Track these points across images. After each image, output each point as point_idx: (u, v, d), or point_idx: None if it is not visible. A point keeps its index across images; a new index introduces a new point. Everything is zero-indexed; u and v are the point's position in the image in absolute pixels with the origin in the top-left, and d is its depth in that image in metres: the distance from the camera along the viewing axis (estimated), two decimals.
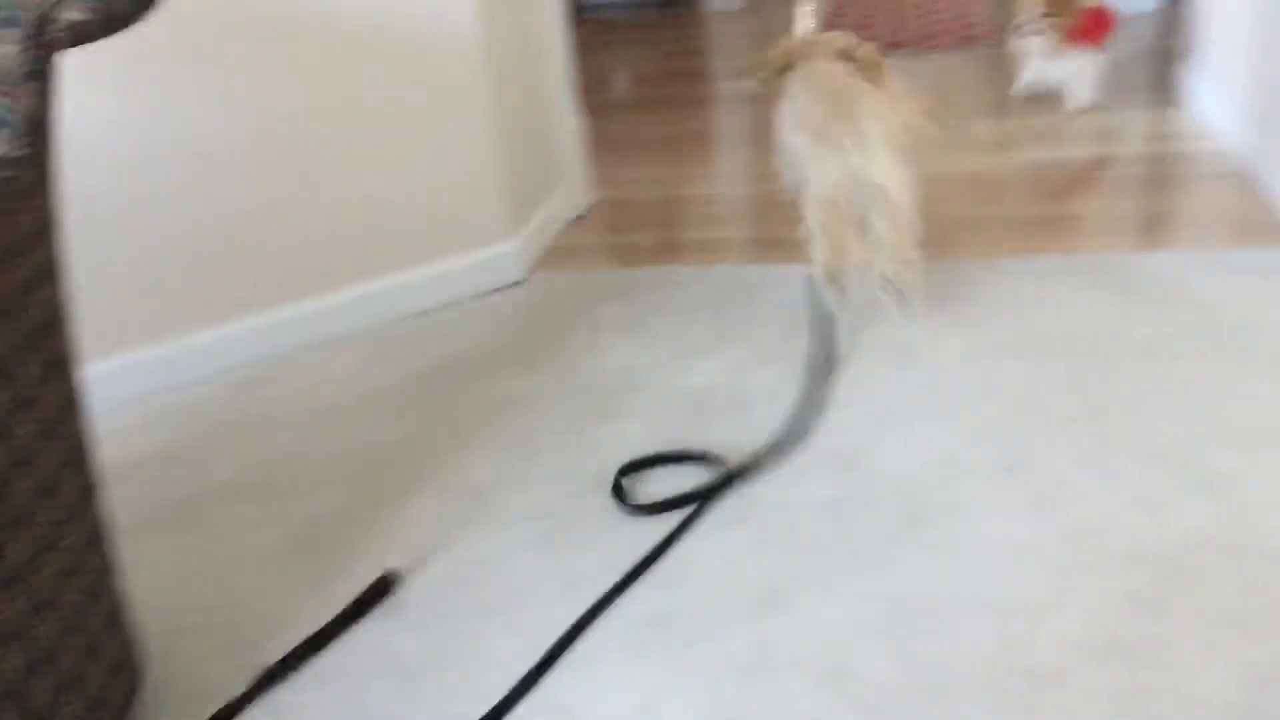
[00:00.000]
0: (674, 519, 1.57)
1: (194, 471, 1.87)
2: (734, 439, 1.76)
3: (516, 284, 2.48)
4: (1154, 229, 2.44)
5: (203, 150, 2.11)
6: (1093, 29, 3.28)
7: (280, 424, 1.99)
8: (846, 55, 2.20)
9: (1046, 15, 3.28)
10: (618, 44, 5.19)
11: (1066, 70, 3.32)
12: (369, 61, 2.22)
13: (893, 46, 4.32)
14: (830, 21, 4.96)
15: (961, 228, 2.53)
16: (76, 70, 1.92)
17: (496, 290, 2.45)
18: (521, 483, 1.72)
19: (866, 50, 2.18)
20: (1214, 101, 2.98)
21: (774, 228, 2.66)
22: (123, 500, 1.79)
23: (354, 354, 2.23)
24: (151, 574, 1.61)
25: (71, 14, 1.03)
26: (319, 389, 2.11)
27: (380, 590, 1.49)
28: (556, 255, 2.64)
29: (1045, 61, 3.34)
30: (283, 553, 1.62)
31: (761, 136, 3.51)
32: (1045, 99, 3.38)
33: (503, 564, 1.53)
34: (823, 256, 1.98)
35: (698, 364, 2.02)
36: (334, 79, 2.20)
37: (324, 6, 2.15)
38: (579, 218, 2.86)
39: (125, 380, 2.13)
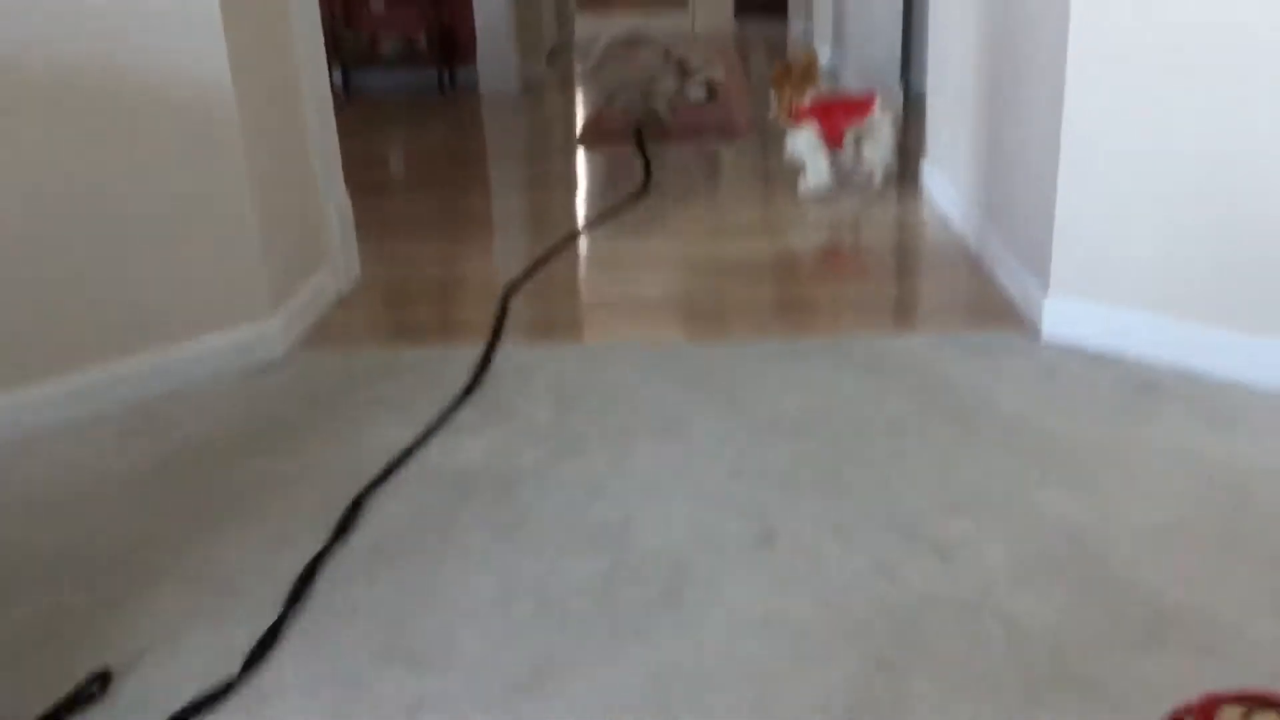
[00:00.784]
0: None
1: None
2: (500, 518, 1.76)
3: (276, 363, 2.40)
4: (899, 313, 2.61)
5: None
6: (825, 116, 3.46)
7: (9, 512, 1.84)
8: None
9: (775, 89, 3.47)
10: (393, 124, 5.17)
11: (794, 149, 3.50)
12: (110, 128, 2.13)
13: (658, 136, 4.49)
14: (601, 111, 5.10)
15: (724, 309, 2.63)
16: None
17: (255, 370, 2.37)
18: (276, 569, 1.65)
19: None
20: (947, 195, 3.24)
21: (547, 307, 2.69)
22: None
23: (96, 438, 2.10)
24: None
25: None
26: (53, 477, 1.97)
27: (92, 687, 1.39)
28: (321, 334, 2.58)
29: (788, 139, 3.52)
30: (5, 651, 1.49)
31: (535, 217, 3.56)
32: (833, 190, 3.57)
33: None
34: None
35: (465, 442, 2.01)
36: (79, 147, 2.10)
37: (69, 72, 2.06)
38: (346, 297, 2.81)
39: None
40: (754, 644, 1.44)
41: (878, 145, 3.46)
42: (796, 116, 3.46)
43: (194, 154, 2.23)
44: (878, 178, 3.52)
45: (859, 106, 3.47)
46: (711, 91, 4.74)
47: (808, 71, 3.47)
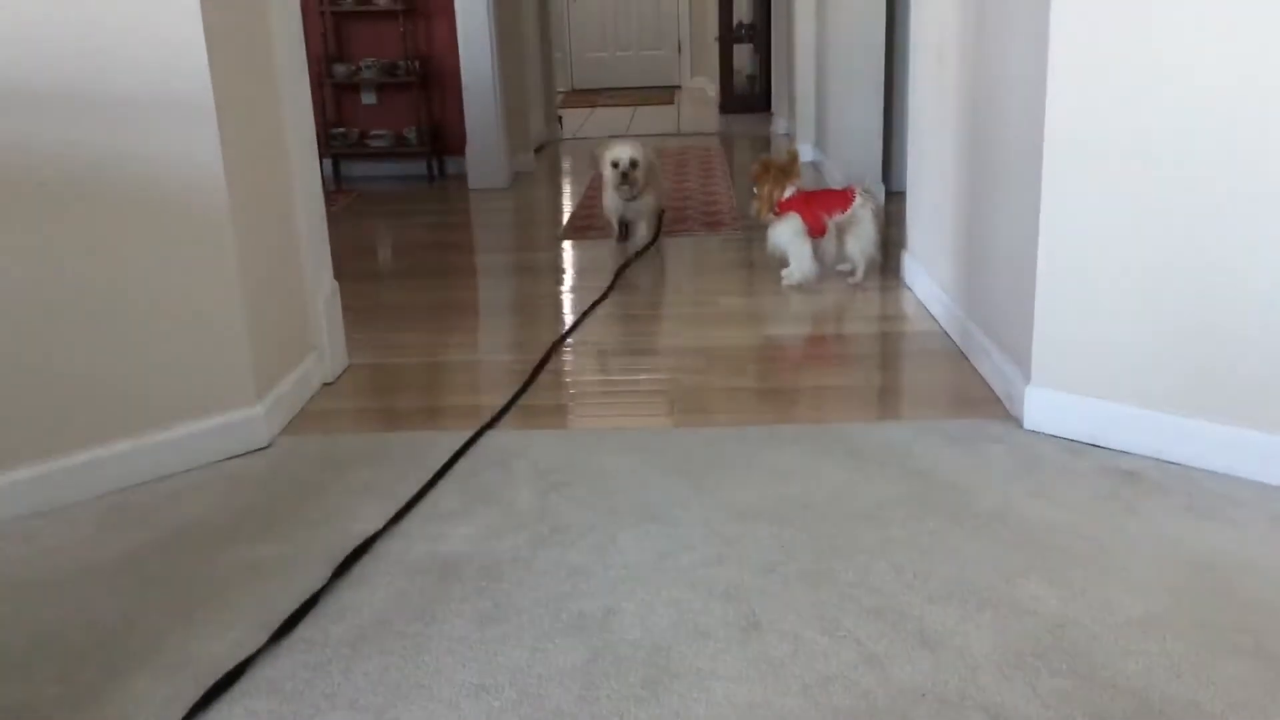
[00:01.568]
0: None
1: None
2: (481, 605, 1.74)
3: (262, 450, 2.40)
4: (881, 402, 2.63)
5: None
6: (806, 208, 3.53)
7: None
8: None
9: (757, 184, 3.53)
10: (383, 215, 5.23)
11: (777, 240, 3.56)
12: (103, 219, 2.16)
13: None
14: (586, 204, 5.18)
15: (709, 397, 2.64)
16: None
17: (240, 456, 2.36)
18: (255, 657, 1.63)
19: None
20: (929, 287, 3.28)
21: (531, 394, 2.70)
22: None
23: (78, 524, 2.09)
24: None
25: None
26: (35, 561, 1.95)
27: None
28: (307, 420, 2.58)
29: (770, 232, 3.57)
30: None
31: (521, 307, 3.59)
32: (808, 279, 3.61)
33: None
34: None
35: (448, 529, 2.00)
36: (65, 235, 2.12)
37: (56, 158, 2.09)
38: (333, 383, 2.81)
39: None
40: None
41: (860, 237, 3.51)
42: (778, 209, 3.52)
43: (184, 243, 2.25)
44: (861, 270, 3.56)
45: (840, 198, 3.54)
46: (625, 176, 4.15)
47: (788, 166, 3.55)
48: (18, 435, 2.11)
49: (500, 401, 2.63)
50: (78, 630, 1.73)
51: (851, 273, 3.59)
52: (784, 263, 3.58)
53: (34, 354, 2.11)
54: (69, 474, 2.17)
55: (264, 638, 1.67)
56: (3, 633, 1.73)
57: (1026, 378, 2.37)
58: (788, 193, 3.52)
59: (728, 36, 9.01)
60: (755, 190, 3.57)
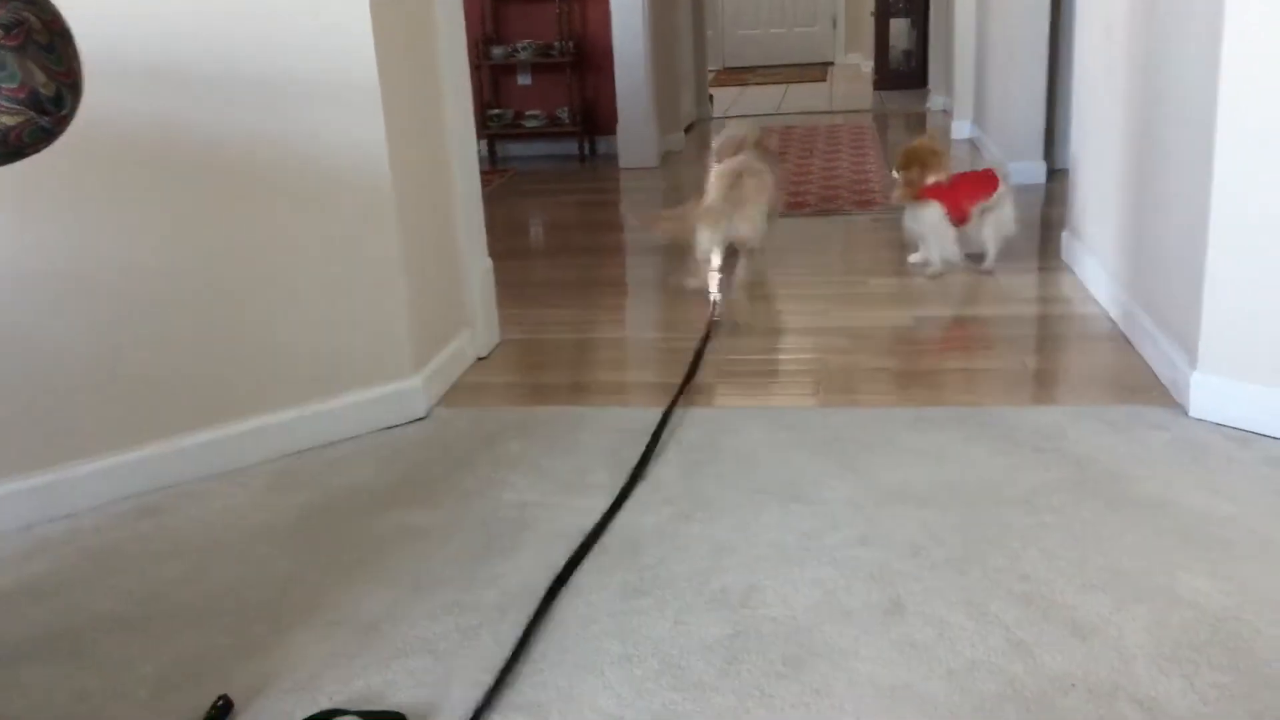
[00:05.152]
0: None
1: (72, 602, 1.81)
2: (626, 577, 1.78)
3: (418, 420, 2.49)
4: (1037, 386, 2.56)
5: (99, 279, 2.11)
6: (950, 195, 3.44)
7: (166, 556, 1.95)
8: (759, 144, 3.49)
9: (901, 170, 3.45)
10: (535, 194, 5.33)
11: (914, 225, 3.49)
12: (276, 198, 2.27)
13: (795, 207, 4.52)
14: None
15: (856, 378, 2.62)
16: None
17: (398, 426, 2.46)
18: (411, 618, 1.70)
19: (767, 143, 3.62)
20: (1091, 268, 3.17)
21: (677, 373, 2.72)
22: None
23: (249, 486, 2.21)
24: (20, 705, 1.54)
25: None
26: (210, 521, 2.07)
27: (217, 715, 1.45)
28: (460, 393, 2.66)
29: (909, 217, 3.51)
30: (157, 687, 1.57)
31: (668, 286, 3.61)
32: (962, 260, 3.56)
33: (384, 700, 1.51)
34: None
35: (594, 502, 2.04)
36: (240, 213, 2.24)
37: (233, 140, 2.20)
38: (485, 357, 2.90)
39: (6, 508, 2.07)
40: (880, 717, 1.41)
41: (1000, 222, 3.46)
42: (920, 195, 3.44)
43: (349, 221, 2.35)
44: (993, 254, 3.48)
45: (984, 185, 3.45)
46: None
47: (932, 160, 3.45)
48: (194, 403, 2.25)
49: (647, 379, 2.66)
50: (248, 586, 1.83)
51: (982, 258, 3.51)
52: (915, 248, 3.55)
53: (208, 326, 2.24)
54: (241, 439, 2.30)
55: (417, 599, 1.74)
56: (181, 588, 1.85)
57: (1193, 364, 2.27)
58: (930, 179, 3.44)
59: (884, 11, 8.83)
60: (898, 175, 3.50)
